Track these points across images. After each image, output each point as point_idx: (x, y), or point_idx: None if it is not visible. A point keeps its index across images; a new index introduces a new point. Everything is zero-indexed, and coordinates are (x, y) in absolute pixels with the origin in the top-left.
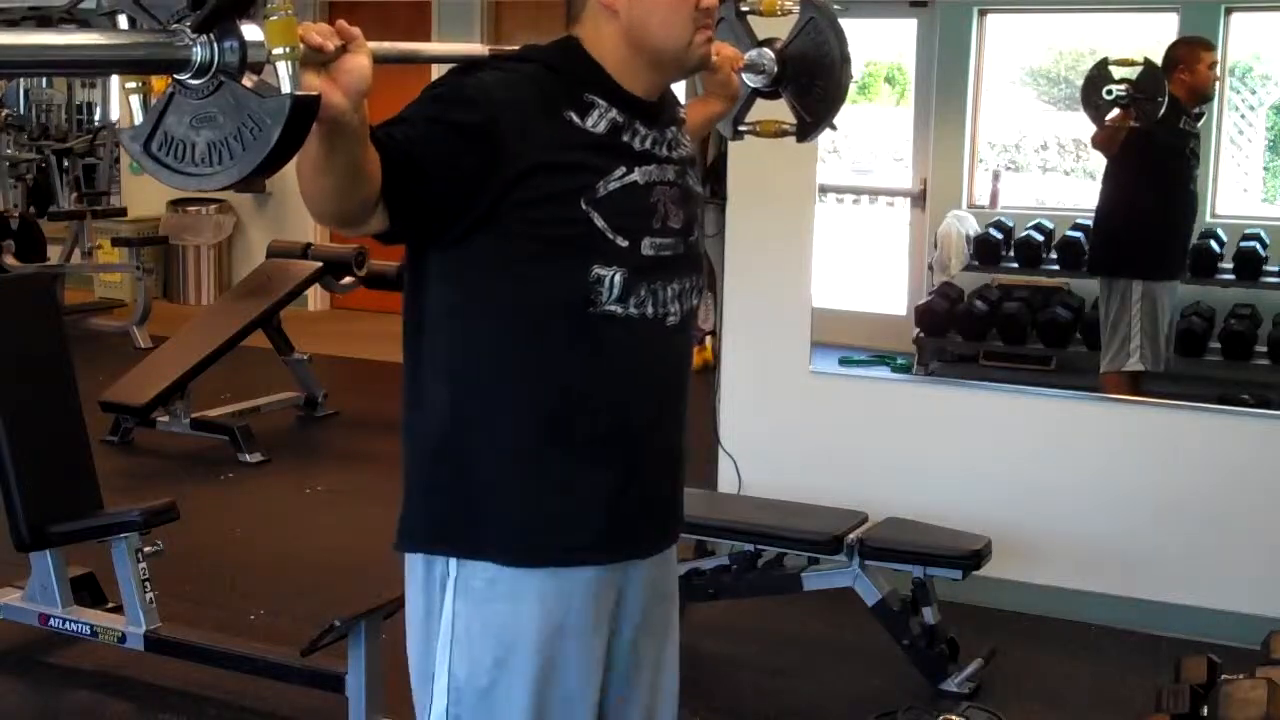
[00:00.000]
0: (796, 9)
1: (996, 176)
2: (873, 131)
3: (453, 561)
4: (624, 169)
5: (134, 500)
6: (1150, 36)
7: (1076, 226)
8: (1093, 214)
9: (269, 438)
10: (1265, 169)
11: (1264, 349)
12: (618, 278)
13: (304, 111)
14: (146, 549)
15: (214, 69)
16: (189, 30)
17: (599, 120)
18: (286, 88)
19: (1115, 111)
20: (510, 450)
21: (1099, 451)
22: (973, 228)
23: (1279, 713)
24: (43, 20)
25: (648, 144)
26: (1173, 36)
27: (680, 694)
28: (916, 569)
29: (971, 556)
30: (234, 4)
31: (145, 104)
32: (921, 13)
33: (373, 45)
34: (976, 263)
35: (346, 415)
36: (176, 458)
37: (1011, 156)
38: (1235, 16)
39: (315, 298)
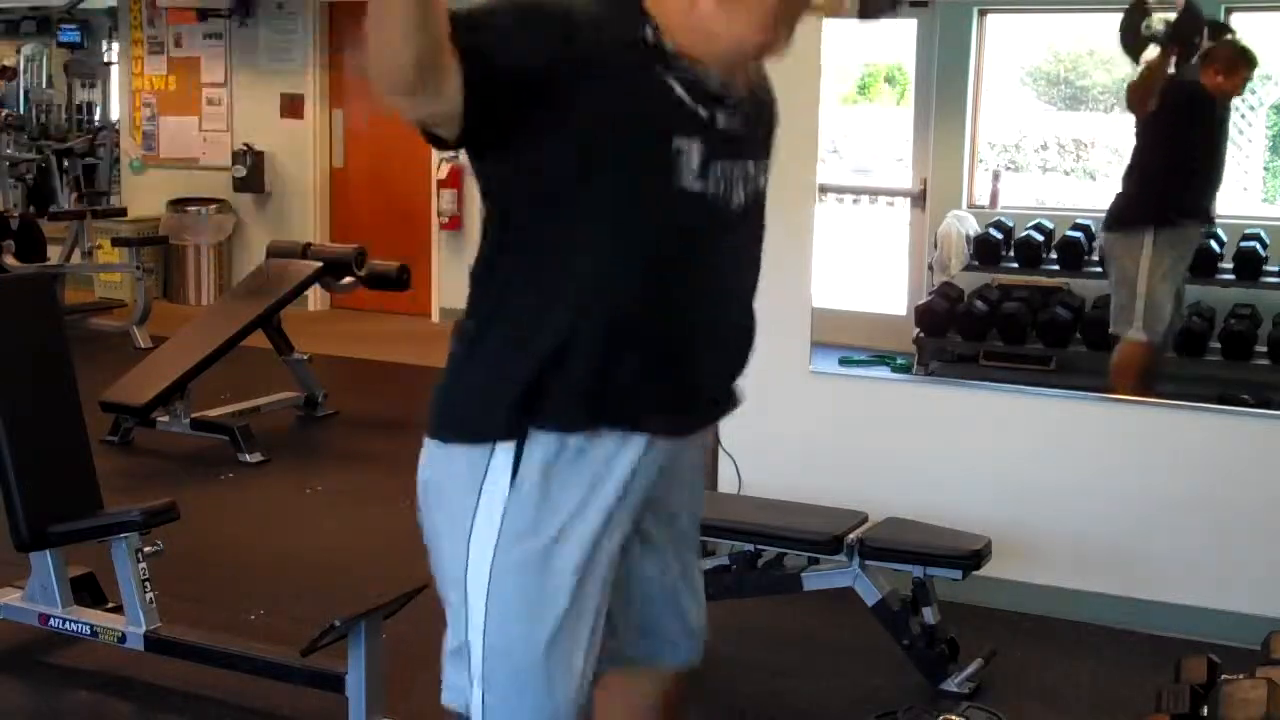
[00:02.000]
0: None
1: (996, 176)
2: (873, 131)
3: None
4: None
5: (134, 500)
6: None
7: (1076, 226)
8: (1093, 213)
9: (269, 438)
10: (1265, 169)
11: (1264, 349)
12: (696, 149)
13: None
14: (146, 549)
15: None
16: None
17: (677, 89)
18: None
19: (1153, 51)
20: (593, 322)
21: (1099, 451)
22: (973, 228)
23: (1279, 713)
24: (42, 21)
25: (726, 122)
26: None
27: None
28: (916, 569)
29: (971, 556)
30: None
31: None
32: (921, 13)
33: None
34: (976, 263)
35: (346, 415)
36: (176, 458)
37: (1011, 156)
38: (1235, 17)
39: (315, 298)
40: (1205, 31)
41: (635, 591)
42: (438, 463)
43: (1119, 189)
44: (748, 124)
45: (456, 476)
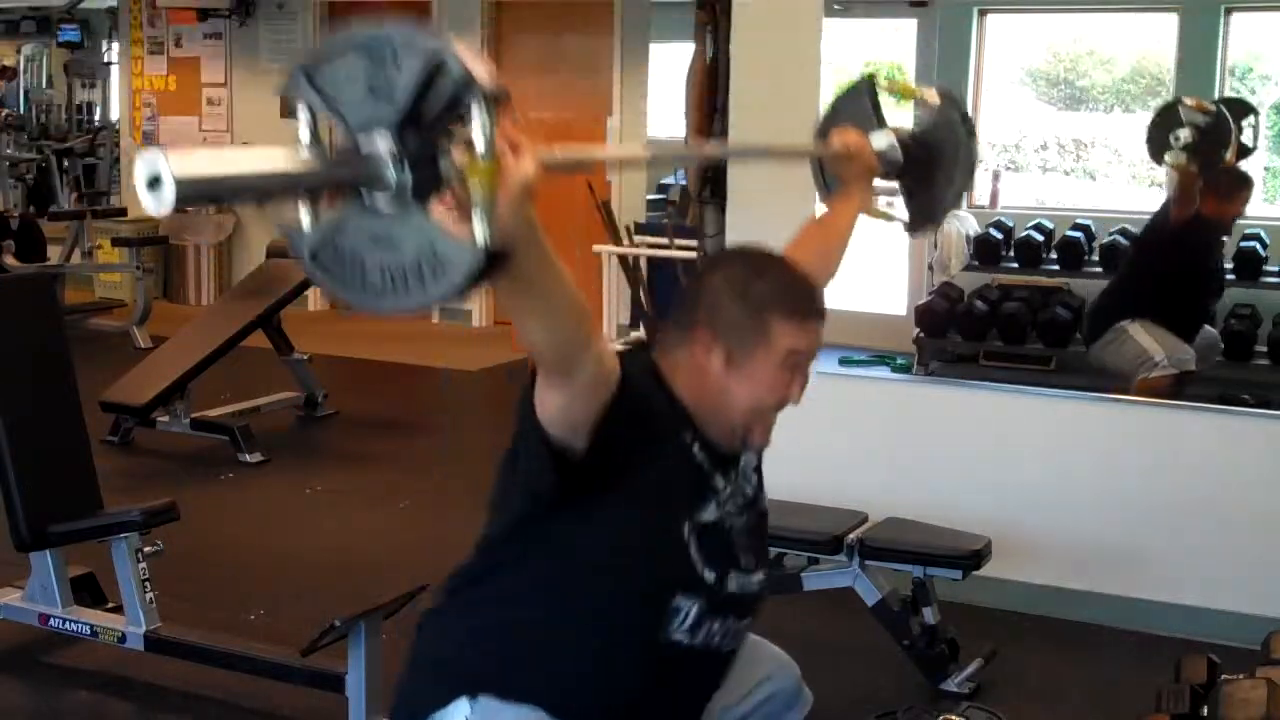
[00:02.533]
0: (937, 100)
1: (996, 176)
2: None
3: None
4: (715, 507)
5: (134, 500)
6: (1150, 36)
7: (1076, 226)
8: (1093, 213)
9: (269, 438)
10: (1265, 169)
11: (1264, 349)
12: (694, 610)
13: (494, 264)
14: (146, 549)
15: (408, 193)
16: (387, 146)
17: (699, 453)
18: (480, 235)
19: (1180, 157)
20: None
21: (1099, 451)
22: (973, 228)
23: (1279, 713)
24: (42, 21)
25: (728, 491)
26: (1173, 36)
27: None
28: (916, 569)
29: (971, 556)
30: (436, 126)
31: (315, 211)
32: (921, 13)
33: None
34: (976, 263)
35: (346, 415)
36: (176, 458)
37: (1011, 156)
38: (1235, 16)
39: (315, 298)
40: (1234, 135)
41: None
42: None
43: (1103, 302)
44: (755, 566)
45: None
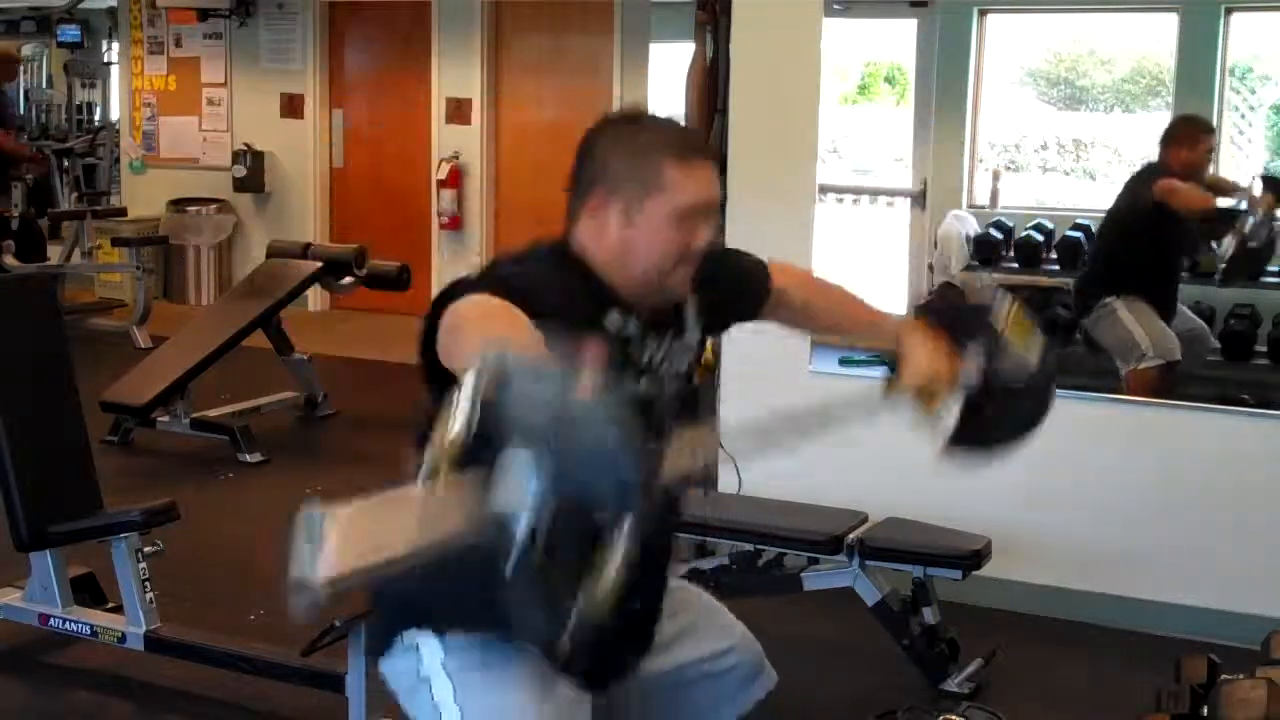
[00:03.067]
0: (1035, 362)
1: (996, 176)
2: (873, 131)
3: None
4: (644, 380)
5: (134, 500)
6: (1150, 36)
7: (1076, 226)
8: (1093, 213)
9: (269, 438)
10: (1265, 169)
11: (1264, 349)
12: None
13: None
14: (146, 549)
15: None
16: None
17: (627, 328)
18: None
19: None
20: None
21: (1099, 451)
22: (973, 228)
23: (1279, 713)
24: (42, 21)
25: (655, 359)
26: (1173, 36)
27: None
28: (916, 569)
29: (971, 556)
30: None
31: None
32: (921, 13)
33: None
34: (976, 263)
35: (346, 415)
36: (176, 458)
37: (1011, 156)
38: (1235, 16)
39: (315, 298)
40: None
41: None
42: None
43: (1090, 272)
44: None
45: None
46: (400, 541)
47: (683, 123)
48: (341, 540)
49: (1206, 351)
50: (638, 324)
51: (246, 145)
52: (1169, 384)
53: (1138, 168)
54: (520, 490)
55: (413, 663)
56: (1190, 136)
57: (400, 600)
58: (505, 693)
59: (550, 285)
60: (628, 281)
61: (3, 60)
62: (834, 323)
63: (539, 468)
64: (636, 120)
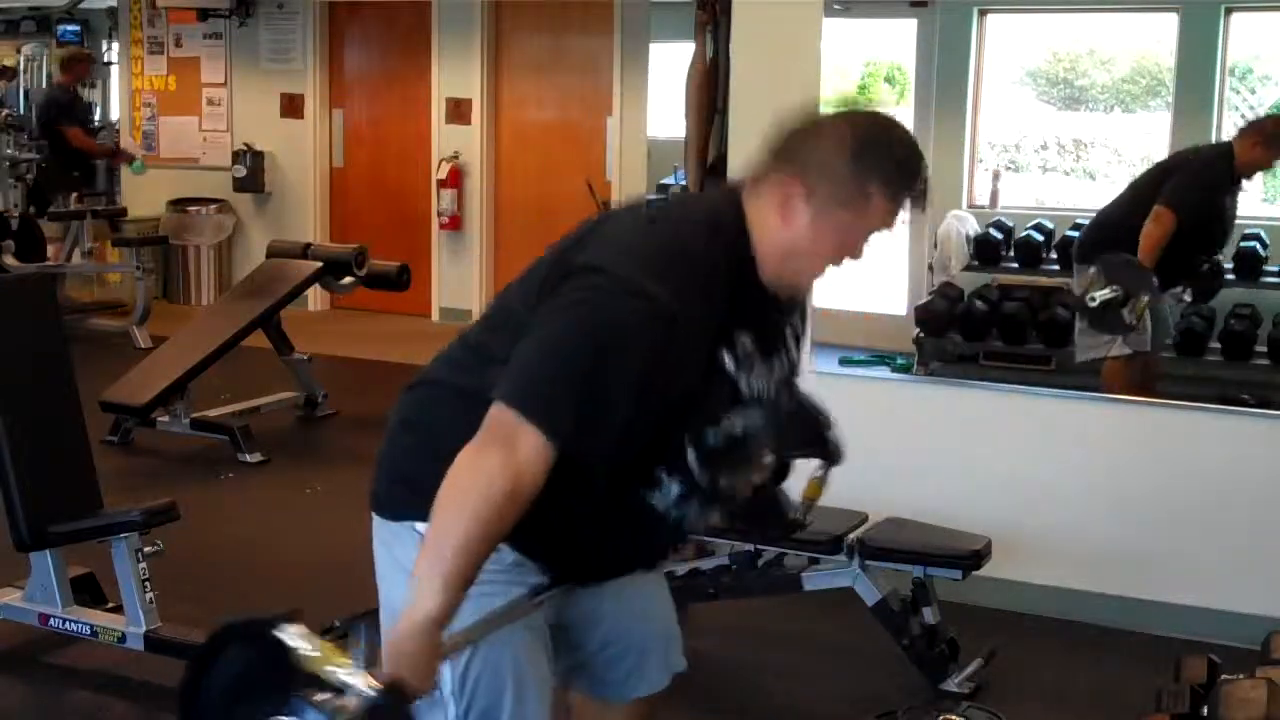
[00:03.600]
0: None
1: (996, 176)
2: None
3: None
4: (729, 418)
5: (134, 500)
6: (1150, 36)
7: (1076, 226)
8: (1093, 213)
9: (269, 438)
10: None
11: (1264, 349)
12: (675, 489)
13: None
14: (146, 549)
15: None
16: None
17: (732, 359)
18: None
19: None
20: None
21: (1099, 451)
22: (973, 228)
23: (1279, 713)
24: (42, 21)
25: (756, 385)
26: (1173, 36)
27: (680, 694)
28: (916, 569)
29: (971, 556)
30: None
31: None
32: (921, 13)
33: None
34: (976, 263)
35: (346, 415)
36: (176, 458)
37: (1011, 156)
38: (1235, 16)
39: (315, 298)
40: None
41: (593, 632)
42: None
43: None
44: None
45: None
46: None
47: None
48: None
49: (1167, 334)
50: (753, 343)
51: (246, 145)
52: (1140, 376)
53: (1202, 148)
54: None
55: (409, 550)
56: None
57: (419, 487)
58: (481, 604)
59: (702, 266)
60: (774, 265)
61: (77, 59)
62: None
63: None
64: (874, 129)
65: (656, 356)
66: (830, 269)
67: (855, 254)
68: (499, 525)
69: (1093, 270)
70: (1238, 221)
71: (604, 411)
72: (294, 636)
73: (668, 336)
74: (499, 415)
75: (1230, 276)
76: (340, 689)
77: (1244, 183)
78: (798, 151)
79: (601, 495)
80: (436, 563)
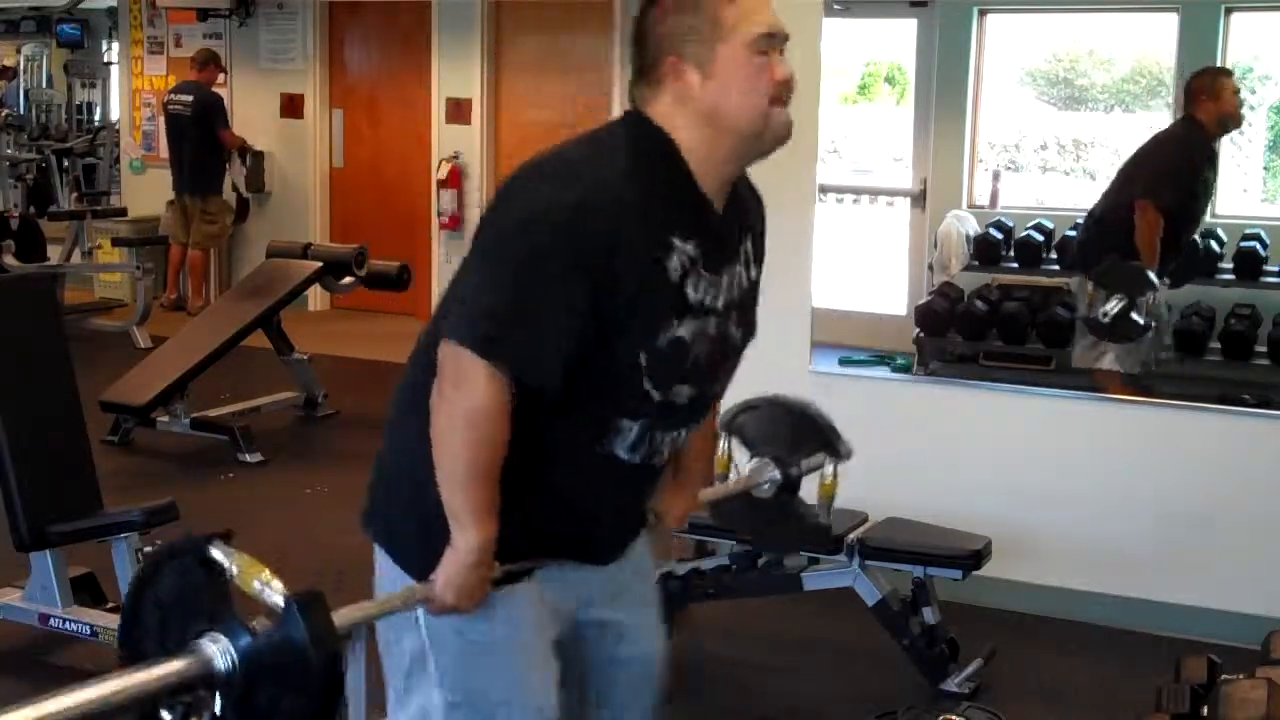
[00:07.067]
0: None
1: (996, 176)
2: (873, 131)
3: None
4: (678, 323)
5: (134, 500)
6: (1150, 36)
7: (1076, 226)
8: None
9: (269, 438)
10: (1265, 169)
11: (1264, 349)
12: (634, 429)
13: None
14: (146, 549)
15: None
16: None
17: (676, 265)
18: None
19: None
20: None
21: (1099, 451)
22: (973, 228)
23: (1279, 713)
24: (42, 21)
25: (706, 294)
26: (1173, 36)
27: (680, 694)
28: (916, 569)
29: (971, 556)
30: None
31: None
32: (921, 13)
33: None
34: (976, 263)
35: (346, 415)
36: (176, 458)
37: (1011, 156)
38: (1235, 16)
39: (315, 298)
40: None
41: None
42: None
43: (1094, 227)
44: (708, 377)
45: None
46: None
47: None
48: None
49: (1161, 345)
50: (698, 249)
51: (246, 145)
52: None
53: (1162, 131)
54: None
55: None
56: (1213, 86)
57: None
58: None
59: (631, 182)
60: (721, 153)
61: (214, 60)
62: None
63: None
64: None
65: (573, 252)
66: (779, 101)
67: (774, 74)
68: (490, 446)
69: (1092, 287)
70: (1238, 221)
71: (538, 319)
72: (223, 554)
73: (576, 227)
74: (441, 352)
75: (1230, 276)
76: (265, 602)
77: (1223, 141)
78: (645, 53)
79: (572, 455)
80: (459, 501)
